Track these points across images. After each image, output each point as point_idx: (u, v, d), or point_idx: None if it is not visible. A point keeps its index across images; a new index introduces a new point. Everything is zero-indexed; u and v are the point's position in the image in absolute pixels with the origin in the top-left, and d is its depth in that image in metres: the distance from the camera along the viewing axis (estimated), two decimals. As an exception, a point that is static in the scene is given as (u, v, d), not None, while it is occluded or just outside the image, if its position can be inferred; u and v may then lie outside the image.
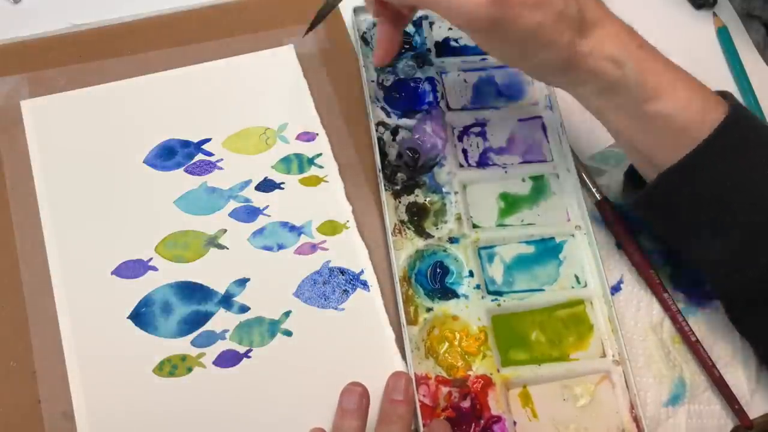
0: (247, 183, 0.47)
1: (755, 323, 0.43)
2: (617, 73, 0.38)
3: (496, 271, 0.46)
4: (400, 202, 0.47)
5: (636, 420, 0.43)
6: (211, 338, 0.42)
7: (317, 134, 0.49)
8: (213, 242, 0.45)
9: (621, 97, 0.39)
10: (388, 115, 0.50)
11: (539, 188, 0.49)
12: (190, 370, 0.41)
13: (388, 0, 0.41)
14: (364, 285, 0.45)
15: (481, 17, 0.36)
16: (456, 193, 0.47)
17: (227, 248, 0.45)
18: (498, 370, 0.43)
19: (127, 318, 0.42)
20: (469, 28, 0.37)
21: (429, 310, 0.44)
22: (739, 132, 0.39)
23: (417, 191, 0.48)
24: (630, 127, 0.40)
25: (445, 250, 0.46)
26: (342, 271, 0.45)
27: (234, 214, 0.46)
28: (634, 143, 0.41)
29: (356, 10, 0.53)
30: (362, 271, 0.45)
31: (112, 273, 0.43)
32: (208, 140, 0.48)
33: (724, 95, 0.41)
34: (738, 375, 0.45)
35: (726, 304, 0.44)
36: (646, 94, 0.39)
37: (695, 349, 0.45)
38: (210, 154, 0.47)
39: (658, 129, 0.39)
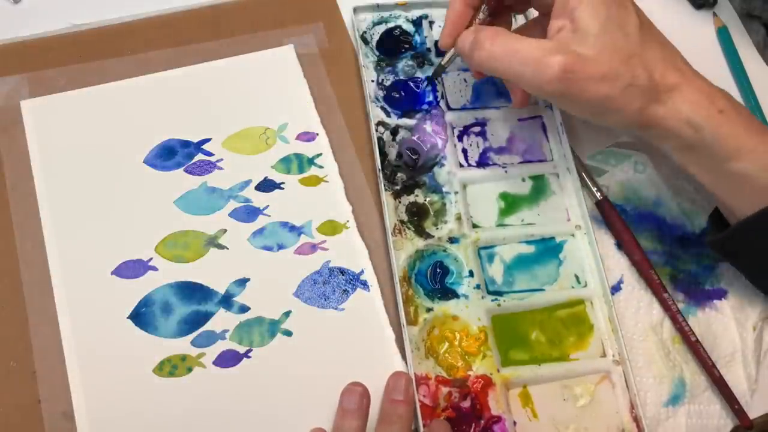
0: (247, 183, 0.47)
1: None
2: (695, 135, 0.40)
3: (496, 271, 0.46)
4: (400, 202, 0.47)
5: (636, 420, 0.43)
6: (211, 338, 0.42)
7: (317, 134, 0.49)
8: (213, 242, 0.45)
9: (699, 155, 0.41)
10: (388, 114, 0.50)
11: (539, 188, 0.49)
12: (190, 370, 0.41)
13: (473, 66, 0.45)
14: (364, 285, 0.45)
15: (551, 90, 0.39)
16: (456, 193, 0.47)
17: (227, 248, 0.45)
18: (498, 370, 0.43)
19: (127, 318, 0.42)
20: (542, 97, 0.41)
21: (429, 310, 0.44)
22: None
23: (417, 191, 0.48)
24: (710, 181, 0.42)
25: (445, 250, 0.46)
26: (342, 271, 0.45)
27: (234, 214, 0.46)
28: (715, 194, 0.42)
29: (356, 10, 0.53)
30: (362, 271, 0.45)
31: (112, 273, 0.43)
32: (208, 140, 0.48)
33: None
34: (738, 375, 0.45)
35: None
36: (726, 155, 0.40)
37: (695, 349, 0.45)
38: (210, 154, 0.47)
39: (738, 186, 0.40)
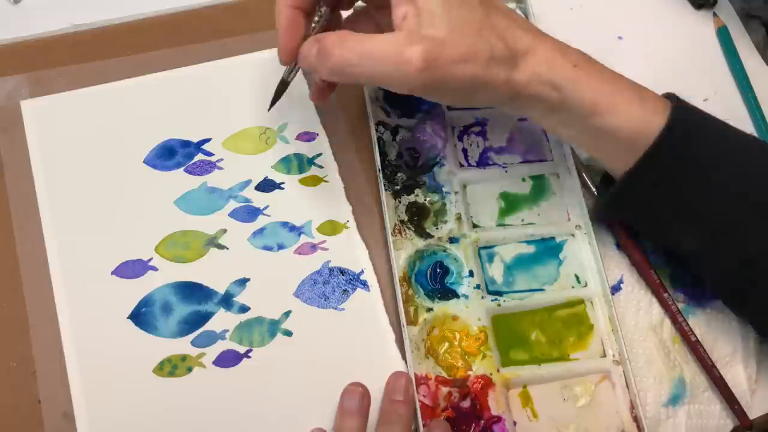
0: (247, 183, 0.47)
1: (738, 301, 0.44)
2: (556, 95, 0.39)
3: (496, 271, 0.46)
4: (400, 202, 0.47)
5: (636, 420, 0.43)
6: (211, 338, 0.42)
7: (317, 134, 0.49)
8: (213, 242, 0.45)
9: (565, 115, 0.40)
10: (388, 114, 0.50)
11: (539, 188, 0.49)
12: (190, 370, 0.41)
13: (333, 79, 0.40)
14: (364, 285, 0.45)
15: (416, 84, 0.37)
16: (456, 192, 0.47)
17: (227, 248, 0.45)
18: (498, 370, 0.43)
19: (127, 318, 0.42)
20: (411, 93, 0.38)
21: (429, 310, 0.44)
22: (683, 132, 0.39)
23: (417, 191, 0.48)
24: (583, 141, 0.43)
25: (445, 250, 0.46)
26: (342, 271, 0.45)
27: (234, 214, 0.46)
28: (592, 154, 0.43)
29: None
30: (362, 271, 0.45)
31: (112, 273, 0.43)
32: (208, 140, 0.48)
33: (669, 97, 0.41)
34: (738, 375, 0.45)
35: (711, 287, 0.45)
36: (587, 111, 0.39)
37: (695, 349, 0.45)
38: (210, 154, 0.47)
39: (607, 141, 0.41)
